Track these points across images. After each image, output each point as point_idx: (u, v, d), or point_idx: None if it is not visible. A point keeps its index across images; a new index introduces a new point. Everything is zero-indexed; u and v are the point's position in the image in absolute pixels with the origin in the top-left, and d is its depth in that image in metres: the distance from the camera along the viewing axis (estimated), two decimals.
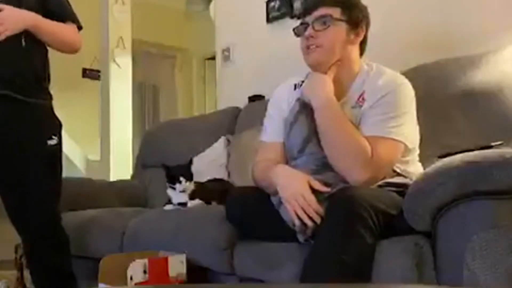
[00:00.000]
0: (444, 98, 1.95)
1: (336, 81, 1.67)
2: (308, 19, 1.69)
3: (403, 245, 1.34)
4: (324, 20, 1.66)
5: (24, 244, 2.11)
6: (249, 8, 3.25)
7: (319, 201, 1.48)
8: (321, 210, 1.46)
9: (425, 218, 1.29)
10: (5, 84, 1.96)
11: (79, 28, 2.17)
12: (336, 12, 1.66)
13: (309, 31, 1.68)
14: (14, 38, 1.96)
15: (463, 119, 1.88)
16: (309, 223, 1.47)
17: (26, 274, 2.33)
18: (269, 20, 3.11)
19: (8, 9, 1.93)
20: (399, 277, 1.30)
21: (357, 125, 1.61)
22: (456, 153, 1.31)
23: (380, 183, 1.54)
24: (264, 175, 1.68)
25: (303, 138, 1.65)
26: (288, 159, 1.72)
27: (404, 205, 1.33)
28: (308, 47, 1.69)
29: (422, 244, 1.31)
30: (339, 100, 1.65)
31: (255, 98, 3.00)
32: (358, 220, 1.33)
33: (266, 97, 2.96)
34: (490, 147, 1.38)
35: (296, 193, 1.49)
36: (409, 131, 1.61)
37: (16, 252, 2.46)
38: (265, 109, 1.88)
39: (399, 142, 1.57)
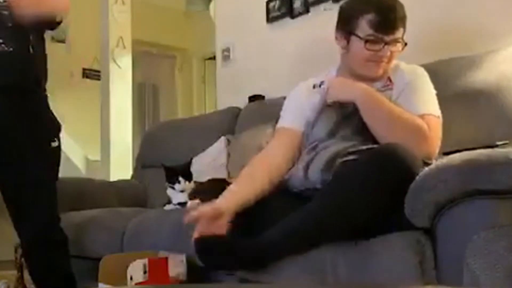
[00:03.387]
0: (444, 98, 1.94)
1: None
2: (387, 37, 1.69)
3: (406, 240, 1.31)
4: (399, 43, 1.71)
5: (23, 245, 2.11)
6: (249, 8, 3.25)
7: None
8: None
9: (424, 214, 1.28)
10: (15, 91, 1.97)
11: None
12: (402, 32, 1.72)
13: (387, 52, 1.70)
14: (23, 45, 1.98)
15: (463, 119, 1.88)
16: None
17: (26, 274, 2.33)
18: (269, 20, 3.11)
19: None
20: (401, 273, 1.29)
21: None
22: (461, 150, 1.30)
23: None
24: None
25: (334, 122, 1.69)
26: (305, 147, 1.73)
27: (405, 200, 1.33)
28: (379, 61, 1.72)
29: (424, 242, 1.31)
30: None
31: (255, 98, 3.00)
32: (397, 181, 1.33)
33: (266, 97, 2.96)
34: (496, 146, 1.39)
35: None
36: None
37: (16, 252, 2.46)
38: (266, 109, 1.88)
39: (439, 118, 1.67)
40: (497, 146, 1.39)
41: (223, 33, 3.48)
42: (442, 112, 1.70)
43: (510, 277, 1.15)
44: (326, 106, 1.73)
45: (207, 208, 1.54)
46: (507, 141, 1.45)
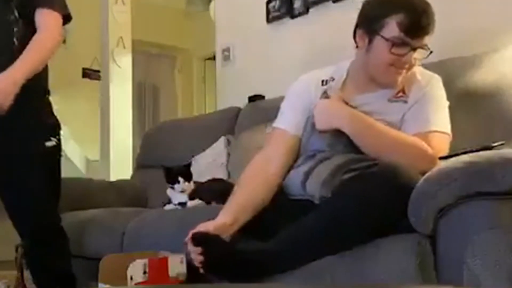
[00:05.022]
0: None
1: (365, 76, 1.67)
2: (415, 42, 1.57)
3: (406, 242, 1.32)
4: (424, 49, 1.60)
5: (24, 245, 2.11)
6: (249, 8, 3.26)
7: None
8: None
9: (428, 221, 1.28)
10: None
11: (65, 16, 2.06)
12: (429, 39, 1.60)
13: (411, 58, 1.59)
14: (6, 38, 1.95)
15: (463, 119, 1.88)
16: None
17: (26, 274, 2.33)
18: (269, 20, 3.11)
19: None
20: (401, 276, 1.29)
21: (400, 119, 1.60)
22: (457, 154, 1.30)
23: None
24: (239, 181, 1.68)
25: (331, 135, 1.61)
26: (302, 152, 1.68)
27: (408, 209, 1.32)
28: (401, 67, 1.61)
29: (424, 244, 1.31)
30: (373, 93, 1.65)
31: (255, 98, 3.00)
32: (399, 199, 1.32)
33: (266, 97, 2.96)
34: (491, 147, 1.38)
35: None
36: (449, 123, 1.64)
37: (16, 252, 2.46)
38: (266, 109, 1.87)
39: (447, 135, 1.60)
40: (492, 147, 1.38)
41: (223, 33, 3.49)
42: None
43: (510, 277, 1.15)
44: None
45: (207, 226, 1.53)
46: (503, 142, 1.45)
